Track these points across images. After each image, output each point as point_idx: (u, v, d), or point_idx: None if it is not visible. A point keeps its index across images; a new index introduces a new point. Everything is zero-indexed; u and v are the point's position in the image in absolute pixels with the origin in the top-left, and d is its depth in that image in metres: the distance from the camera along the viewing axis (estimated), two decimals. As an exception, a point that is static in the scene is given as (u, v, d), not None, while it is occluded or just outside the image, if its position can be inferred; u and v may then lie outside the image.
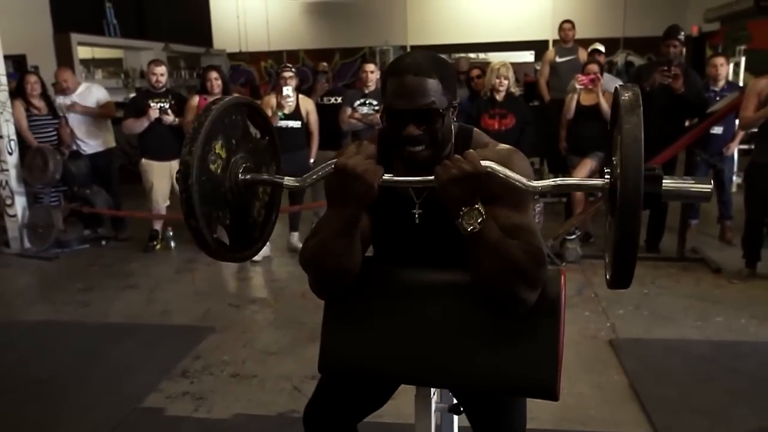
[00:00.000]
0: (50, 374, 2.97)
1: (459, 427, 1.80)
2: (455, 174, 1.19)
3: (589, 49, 5.51)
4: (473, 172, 1.19)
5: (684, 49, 4.59)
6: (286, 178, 1.36)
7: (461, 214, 1.23)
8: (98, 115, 5.26)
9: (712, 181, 1.14)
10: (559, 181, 1.23)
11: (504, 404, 1.44)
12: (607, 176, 1.19)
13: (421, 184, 1.27)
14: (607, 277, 1.19)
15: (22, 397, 2.77)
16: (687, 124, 4.66)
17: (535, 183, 1.21)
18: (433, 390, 1.53)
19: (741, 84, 7.20)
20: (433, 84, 1.27)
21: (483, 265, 1.26)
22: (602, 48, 5.40)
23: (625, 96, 1.11)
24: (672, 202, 4.57)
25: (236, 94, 1.31)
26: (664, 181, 1.13)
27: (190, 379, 2.91)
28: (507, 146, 1.40)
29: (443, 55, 1.41)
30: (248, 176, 1.33)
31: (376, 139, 1.48)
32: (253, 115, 1.40)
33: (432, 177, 1.23)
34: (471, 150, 1.25)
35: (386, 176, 1.26)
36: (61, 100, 5.24)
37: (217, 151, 1.25)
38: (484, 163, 1.20)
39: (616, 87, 1.18)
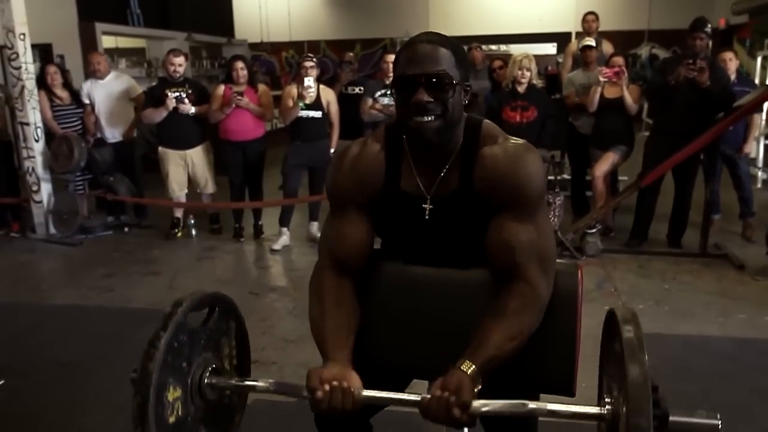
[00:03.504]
0: (75, 357, 3.04)
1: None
2: (441, 418, 1.16)
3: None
4: (459, 423, 1.14)
5: (710, 43, 4.50)
6: (258, 381, 1.30)
7: None
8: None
9: (719, 416, 1.08)
10: (552, 406, 1.15)
11: (515, 396, 1.42)
12: (607, 406, 1.14)
13: (404, 404, 1.23)
14: None
15: (48, 379, 2.83)
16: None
17: (531, 405, 1.14)
18: None
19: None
20: (445, 54, 1.25)
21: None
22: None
23: (628, 335, 1.08)
24: (695, 198, 4.54)
25: (172, 318, 1.22)
26: (671, 418, 1.08)
27: (211, 365, 2.95)
28: (518, 142, 1.33)
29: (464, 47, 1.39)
30: (213, 381, 1.28)
31: (382, 135, 1.40)
32: (191, 310, 1.26)
33: (419, 398, 1.19)
34: (460, 393, 1.14)
35: (366, 393, 1.22)
36: (88, 87, 5.32)
37: (170, 399, 1.19)
38: (476, 403, 1.14)
39: (613, 312, 1.16)
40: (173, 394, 1.19)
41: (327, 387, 1.20)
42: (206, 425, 1.30)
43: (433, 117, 1.24)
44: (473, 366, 1.19)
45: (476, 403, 1.14)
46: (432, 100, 1.23)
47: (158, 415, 1.14)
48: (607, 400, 1.14)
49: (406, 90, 1.25)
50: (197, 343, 1.27)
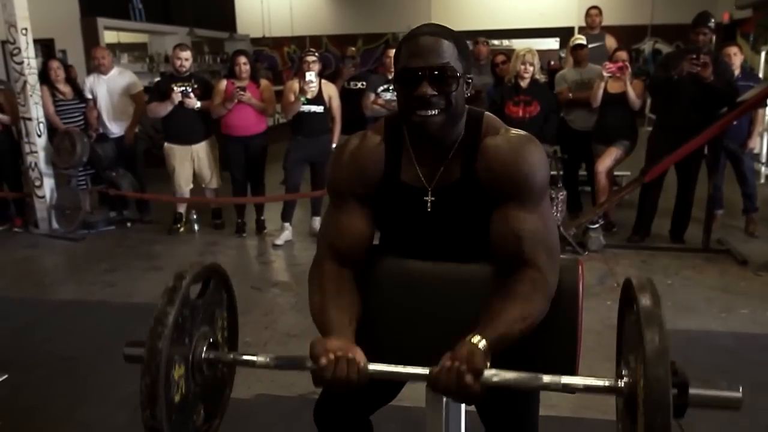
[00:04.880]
0: (77, 352, 3.05)
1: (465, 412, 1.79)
2: (452, 387, 1.10)
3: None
4: (470, 393, 1.09)
5: (714, 37, 4.48)
6: (258, 356, 1.23)
7: None
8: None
9: (741, 388, 1.02)
10: (566, 379, 1.10)
11: (516, 393, 1.40)
12: (625, 378, 1.09)
13: (412, 378, 1.17)
14: None
15: (50, 374, 2.84)
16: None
17: (545, 378, 1.10)
18: None
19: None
20: (448, 46, 1.22)
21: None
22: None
23: (645, 302, 1.02)
24: (696, 192, 4.53)
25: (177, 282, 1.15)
26: (690, 390, 1.00)
27: (213, 360, 2.96)
28: (519, 133, 1.30)
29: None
30: (211, 355, 1.23)
31: (382, 128, 1.37)
32: (193, 283, 1.20)
33: (426, 371, 1.13)
34: (472, 361, 1.09)
35: (372, 367, 1.16)
36: (91, 82, 5.31)
37: (176, 378, 1.13)
38: (487, 373, 1.09)
39: (630, 281, 1.10)
40: (178, 371, 1.14)
41: (332, 356, 1.14)
42: (203, 401, 1.26)
43: (437, 111, 1.21)
44: (484, 340, 1.14)
45: (487, 373, 1.09)
46: (436, 93, 1.20)
47: (166, 395, 1.08)
48: (624, 372, 1.10)
49: (408, 83, 1.22)
50: (197, 317, 1.22)
